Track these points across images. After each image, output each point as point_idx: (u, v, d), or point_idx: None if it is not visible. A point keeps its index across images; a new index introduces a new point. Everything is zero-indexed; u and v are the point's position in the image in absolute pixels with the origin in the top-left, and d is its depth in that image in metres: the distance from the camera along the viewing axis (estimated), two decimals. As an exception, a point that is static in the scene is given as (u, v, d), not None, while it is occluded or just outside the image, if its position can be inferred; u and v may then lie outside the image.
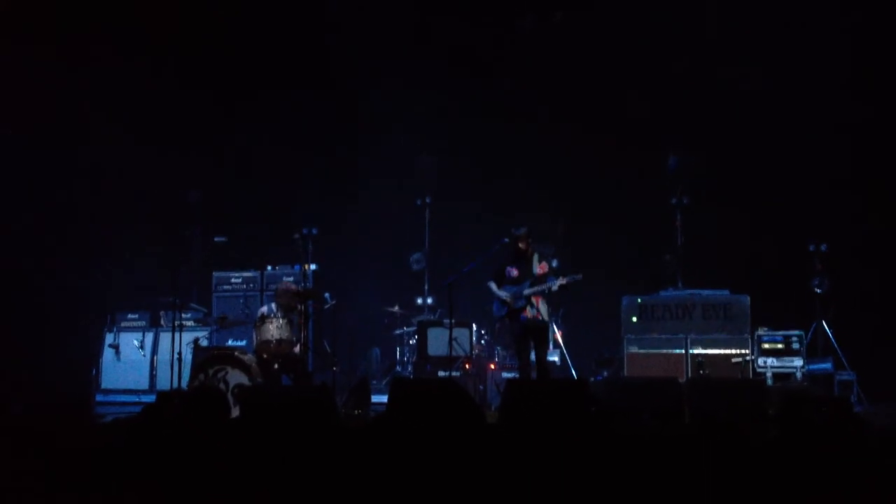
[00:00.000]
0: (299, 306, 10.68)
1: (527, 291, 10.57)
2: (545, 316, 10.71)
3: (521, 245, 10.72)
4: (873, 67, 12.63)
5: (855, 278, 12.52)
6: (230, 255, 13.87)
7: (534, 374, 10.71)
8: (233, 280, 13.81)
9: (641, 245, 13.73)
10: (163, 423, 6.81)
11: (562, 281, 10.46)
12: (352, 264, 14.49)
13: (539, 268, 10.72)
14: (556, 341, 13.19)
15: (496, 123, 14.39)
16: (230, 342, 12.56)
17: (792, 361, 11.88)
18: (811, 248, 12.70)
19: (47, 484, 5.89)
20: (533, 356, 10.79)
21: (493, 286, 10.82)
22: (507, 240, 10.76)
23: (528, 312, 10.57)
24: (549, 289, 10.53)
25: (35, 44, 13.01)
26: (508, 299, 10.65)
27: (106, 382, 13.21)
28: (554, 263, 12.89)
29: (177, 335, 10.65)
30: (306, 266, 13.05)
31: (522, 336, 10.73)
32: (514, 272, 10.73)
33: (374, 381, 13.14)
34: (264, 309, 11.15)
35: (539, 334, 10.72)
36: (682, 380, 10.98)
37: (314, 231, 14.06)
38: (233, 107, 14.25)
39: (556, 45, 14.16)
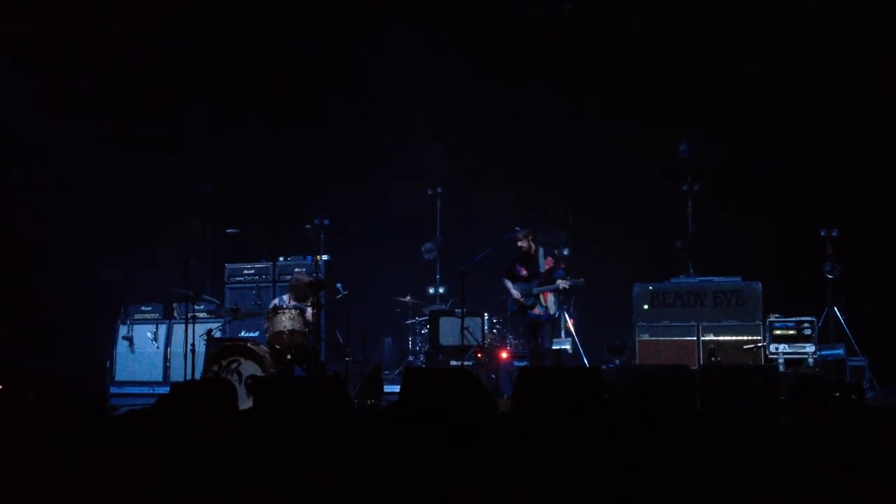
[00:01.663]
0: (312, 297, 10.75)
1: (535, 290, 11.22)
2: (553, 309, 11.31)
3: (521, 245, 11.31)
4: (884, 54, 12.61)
5: (866, 264, 12.49)
6: (242, 247, 13.90)
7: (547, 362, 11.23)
8: (245, 271, 13.85)
9: (653, 232, 13.71)
10: (175, 413, 6.85)
11: (564, 285, 11.11)
12: (364, 254, 14.50)
13: (545, 263, 11.33)
14: (567, 330, 13.26)
15: (507, 112, 14.37)
16: (243, 333, 12.59)
17: (804, 347, 11.84)
18: (822, 233, 12.64)
19: (62, 475, 5.94)
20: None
21: (509, 283, 11.45)
22: (517, 233, 11.03)
23: (537, 310, 11.23)
24: (556, 288, 11.13)
25: (40, 32, 13.07)
26: (520, 298, 11.28)
27: (120, 374, 13.29)
28: (565, 252, 13.03)
29: (190, 327, 10.70)
30: (318, 257, 13.08)
31: (531, 330, 11.39)
32: (524, 271, 11.41)
33: (387, 371, 13.17)
34: (277, 300, 11.23)
35: (545, 328, 11.30)
36: (693, 367, 11.02)
37: (326, 222, 14.07)
38: (244, 98, 14.26)
39: (566, 32, 14.13)
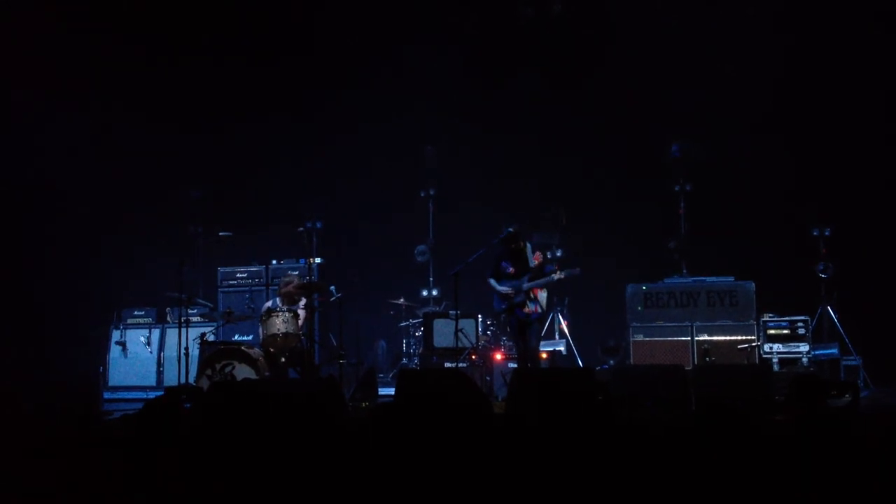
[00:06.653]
0: (304, 300, 10.76)
1: (526, 286, 10.72)
2: (543, 306, 10.85)
3: (511, 246, 10.86)
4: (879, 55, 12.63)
5: (860, 262, 12.50)
6: (235, 250, 13.88)
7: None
8: (238, 275, 13.86)
9: (645, 233, 13.70)
10: (173, 417, 6.83)
11: (560, 276, 10.64)
12: (357, 257, 14.49)
13: (535, 258, 10.86)
14: (561, 331, 13.25)
15: (499, 114, 14.36)
16: (236, 337, 12.58)
17: (798, 347, 11.86)
18: (815, 232, 12.68)
19: (55, 480, 5.92)
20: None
21: (494, 282, 10.98)
22: (511, 229, 10.82)
23: (528, 307, 10.71)
24: (550, 281, 10.70)
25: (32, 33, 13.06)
26: (510, 293, 10.78)
27: (113, 380, 13.25)
28: (559, 253, 12.95)
29: (183, 331, 10.70)
30: (311, 260, 13.08)
31: (520, 329, 10.89)
32: (511, 269, 10.88)
33: (381, 374, 13.16)
34: (269, 303, 11.21)
35: (533, 327, 10.86)
36: (687, 367, 11.04)
37: (318, 225, 14.09)
38: (236, 101, 14.23)
39: (558, 33, 14.14)
